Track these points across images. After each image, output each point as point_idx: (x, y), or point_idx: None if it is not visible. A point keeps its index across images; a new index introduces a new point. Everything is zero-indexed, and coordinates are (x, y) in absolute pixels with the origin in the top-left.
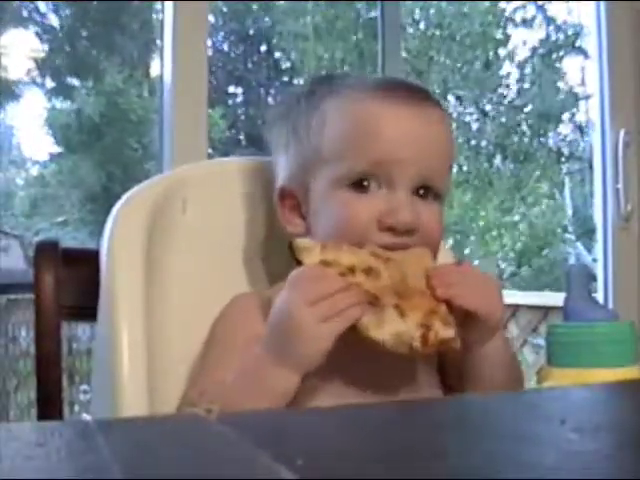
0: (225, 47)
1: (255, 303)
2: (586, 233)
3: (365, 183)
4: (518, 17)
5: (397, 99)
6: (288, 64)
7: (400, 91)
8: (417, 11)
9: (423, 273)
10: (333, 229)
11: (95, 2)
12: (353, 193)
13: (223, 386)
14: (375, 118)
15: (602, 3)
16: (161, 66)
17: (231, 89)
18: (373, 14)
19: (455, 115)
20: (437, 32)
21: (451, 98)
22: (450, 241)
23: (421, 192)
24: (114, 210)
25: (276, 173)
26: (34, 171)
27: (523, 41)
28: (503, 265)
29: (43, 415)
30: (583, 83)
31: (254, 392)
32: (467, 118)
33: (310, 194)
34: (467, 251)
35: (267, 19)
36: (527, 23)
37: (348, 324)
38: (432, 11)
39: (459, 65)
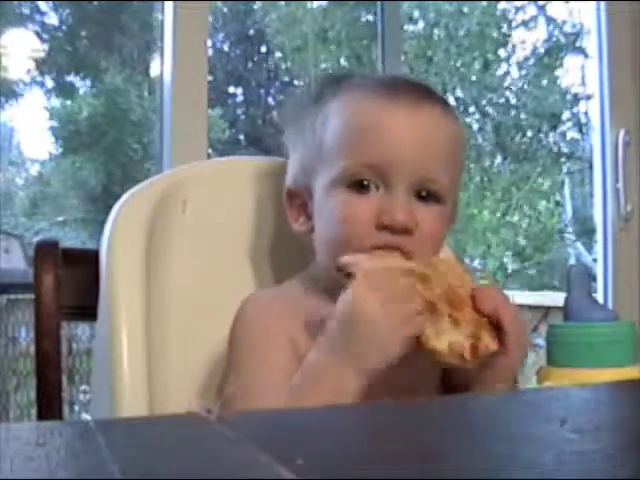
0: (225, 47)
1: (276, 301)
2: (586, 233)
3: (364, 183)
4: (519, 17)
5: (396, 99)
6: (288, 65)
7: (399, 90)
8: (416, 13)
9: (460, 282)
10: (333, 228)
11: (95, 2)
12: (352, 193)
13: (275, 391)
14: (373, 119)
15: (602, 3)
16: (161, 66)
17: (231, 89)
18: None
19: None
20: (436, 32)
21: (451, 98)
22: (450, 241)
23: (423, 194)
24: (114, 210)
25: (287, 173)
26: (34, 171)
27: (523, 41)
28: (503, 265)
29: (43, 415)
30: (583, 83)
31: (318, 395)
32: (467, 118)
33: (313, 194)
34: (467, 251)
35: (267, 19)
36: (527, 23)
37: (419, 332)
38: (431, 11)
39: (458, 65)
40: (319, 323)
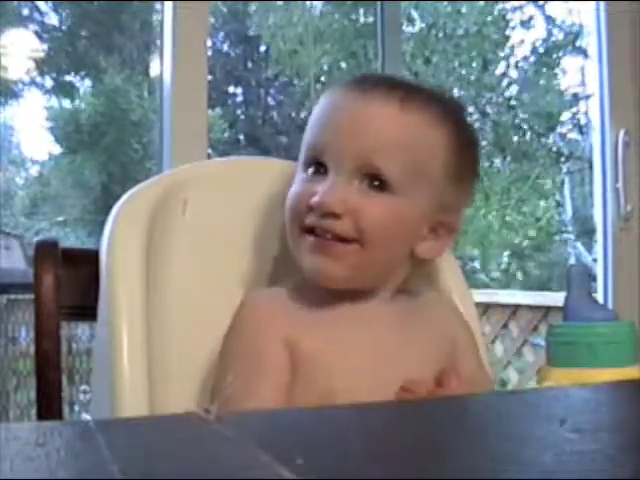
0: (225, 47)
1: (273, 301)
2: (586, 233)
3: (315, 167)
4: (517, 17)
5: (353, 88)
6: (287, 65)
7: (362, 82)
8: (414, 13)
9: None
10: (285, 209)
11: (95, 2)
12: (303, 175)
13: (269, 393)
14: (326, 106)
15: (602, 3)
16: (161, 66)
17: (231, 89)
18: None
19: None
20: (433, 33)
21: None
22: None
23: (376, 183)
24: (114, 210)
25: None
26: (34, 171)
27: (522, 41)
28: (503, 265)
29: (43, 415)
30: (583, 83)
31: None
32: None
33: None
34: (467, 251)
35: (267, 20)
36: (526, 23)
37: None
38: (428, 12)
39: (456, 66)
40: (317, 322)
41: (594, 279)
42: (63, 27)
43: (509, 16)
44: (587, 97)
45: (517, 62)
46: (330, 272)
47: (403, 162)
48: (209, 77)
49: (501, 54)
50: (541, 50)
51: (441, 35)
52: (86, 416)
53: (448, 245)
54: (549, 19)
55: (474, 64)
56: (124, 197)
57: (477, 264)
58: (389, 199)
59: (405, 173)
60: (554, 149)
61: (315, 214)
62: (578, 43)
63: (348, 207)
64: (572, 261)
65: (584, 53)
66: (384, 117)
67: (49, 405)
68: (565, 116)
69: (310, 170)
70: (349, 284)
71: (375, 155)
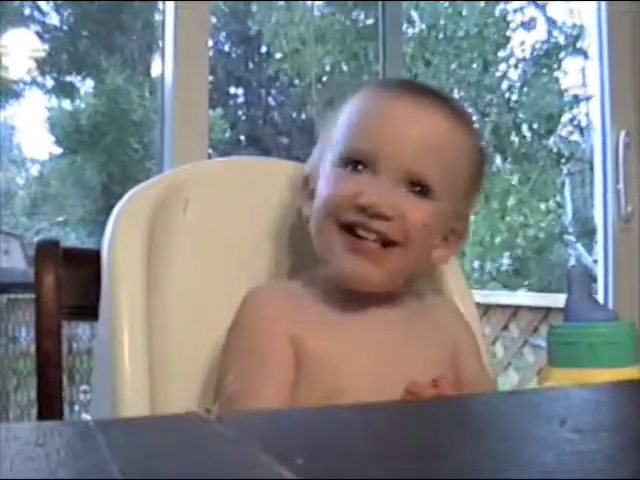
0: (226, 48)
1: (278, 298)
2: (586, 234)
3: (356, 165)
4: (517, 18)
5: (402, 94)
6: (288, 65)
7: (408, 88)
8: (414, 14)
9: None
10: (319, 204)
11: (96, 2)
12: (341, 172)
13: (272, 392)
14: (376, 108)
15: (603, 3)
16: (162, 66)
17: (232, 90)
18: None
19: None
20: (434, 34)
21: None
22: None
23: (417, 188)
24: (115, 210)
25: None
26: (34, 171)
27: (522, 42)
28: (503, 266)
29: (43, 415)
30: (583, 84)
31: None
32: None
33: (319, 175)
34: (466, 252)
35: (268, 20)
36: (527, 24)
37: None
38: (429, 13)
39: (456, 67)
40: (323, 321)
41: (594, 280)
42: (64, 27)
43: (510, 17)
44: (588, 98)
45: (517, 63)
46: (367, 275)
47: (443, 170)
48: (210, 77)
49: (501, 55)
50: (541, 51)
51: (441, 36)
52: (86, 416)
53: (455, 252)
54: (550, 20)
55: (474, 65)
56: (125, 197)
57: (478, 265)
58: (430, 205)
59: (443, 180)
60: (554, 150)
61: (362, 213)
62: (579, 44)
63: (397, 210)
64: (572, 262)
65: (585, 54)
66: (434, 127)
67: (49, 405)
68: (566, 117)
69: (349, 167)
70: (381, 288)
71: (422, 163)
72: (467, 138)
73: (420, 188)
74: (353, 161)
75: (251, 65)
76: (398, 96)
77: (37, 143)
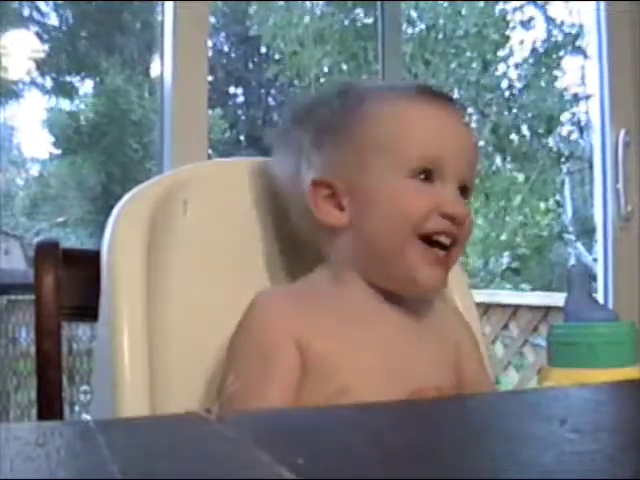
0: (225, 48)
1: (287, 300)
2: (586, 233)
3: (422, 176)
4: (517, 18)
5: (443, 102)
6: (288, 65)
7: (441, 95)
8: (413, 14)
9: None
10: (389, 216)
11: (95, 2)
12: (414, 183)
13: (273, 395)
14: (432, 119)
15: (602, 3)
16: (161, 66)
17: (231, 90)
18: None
19: None
20: (433, 33)
21: None
22: None
23: (464, 191)
24: (115, 210)
25: (298, 170)
26: (34, 171)
27: (522, 41)
28: (503, 265)
29: (43, 415)
30: (583, 83)
31: None
32: (466, 119)
33: (356, 185)
34: (466, 251)
35: (267, 20)
36: (527, 23)
37: None
38: (428, 13)
39: (456, 66)
40: (328, 322)
41: (594, 279)
42: (63, 27)
43: (509, 17)
44: (587, 97)
45: (517, 63)
46: (443, 281)
47: (475, 174)
48: (210, 77)
49: (501, 55)
50: (541, 50)
51: (441, 36)
52: (86, 416)
53: None
54: (549, 19)
55: (474, 65)
56: (125, 197)
57: (477, 264)
58: (469, 205)
59: (474, 183)
60: (554, 149)
61: (447, 220)
62: (578, 43)
63: (467, 215)
64: (572, 261)
65: (584, 53)
66: (472, 135)
67: (49, 405)
68: (565, 116)
69: (420, 177)
70: None
71: (473, 169)
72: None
73: (462, 192)
74: (423, 171)
75: (250, 65)
76: (441, 103)
77: (37, 144)
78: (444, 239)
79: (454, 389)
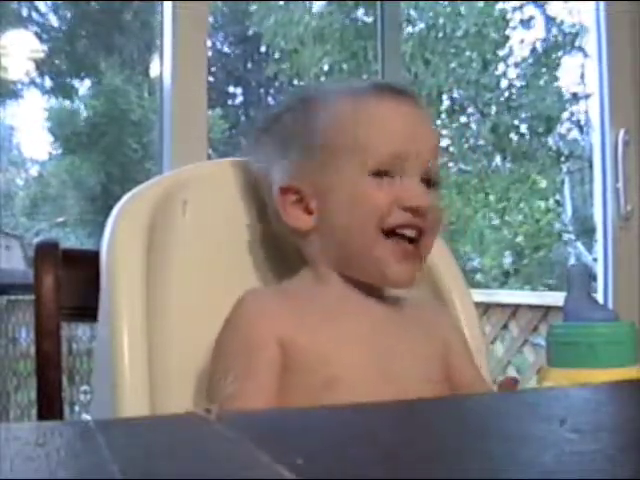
0: (225, 48)
1: (271, 300)
2: (586, 232)
3: (386, 171)
4: (517, 17)
5: (401, 98)
6: (287, 65)
7: (399, 91)
8: (413, 14)
9: None
10: (353, 214)
11: (95, 2)
12: (372, 181)
13: (260, 394)
14: (389, 116)
15: (602, 3)
16: (161, 66)
17: (231, 89)
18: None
19: (453, 116)
20: (433, 33)
21: (449, 99)
22: (448, 241)
23: (430, 182)
24: (114, 211)
25: (269, 178)
26: (34, 171)
27: (522, 40)
28: (503, 265)
29: (43, 415)
30: (583, 82)
31: None
32: (465, 118)
33: (321, 188)
34: (466, 250)
35: (267, 20)
36: (526, 23)
37: None
38: (428, 12)
39: (455, 66)
40: (313, 318)
41: (594, 279)
42: (63, 28)
43: (509, 16)
44: (587, 97)
45: (517, 62)
46: (414, 275)
47: (438, 162)
48: (209, 77)
49: (501, 54)
50: (541, 50)
51: (441, 35)
52: (86, 416)
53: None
54: (549, 19)
55: (474, 64)
56: (124, 198)
57: (477, 264)
58: (437, 194)
59: (439, 171)
60: (554, 149)
61: (409, 213)
62: (578, 43)
63: (431, 206)
64: (572, 261)
65: (584, 52)
66: (430, 122)
67: (49, 405)
68: (565, 116)
69: (380, 174)
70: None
71: (435, 159)
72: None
73: (428, 181)
74: (383, 167)
75: (250, 65)
76: (398, 99)
77: (36, 144)
78: (409, 232)
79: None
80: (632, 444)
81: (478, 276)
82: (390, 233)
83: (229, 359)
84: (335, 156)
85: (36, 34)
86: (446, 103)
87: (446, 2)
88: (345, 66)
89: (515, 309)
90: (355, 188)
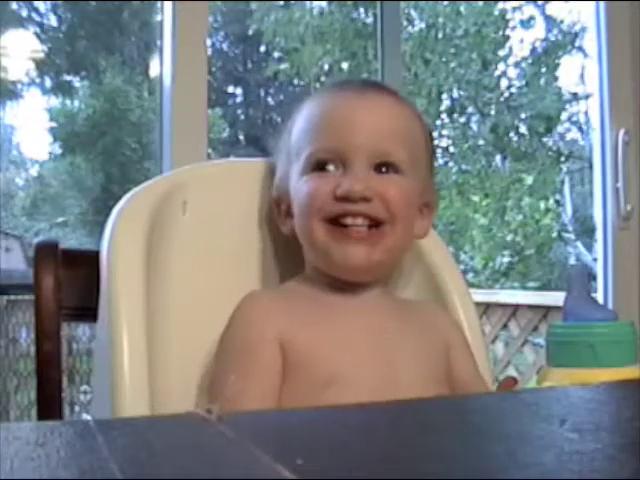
0: (225, 47)
1: (271, 301)
2: (586, 232)
3: (326, 166)
4: (517, 17)
5: (346, 92)
6: (287, 65)
7: (347, 84)
8: (413, 13)
9: None
10: (300, 208)
11: (94, 2)
12: (314, 175)
13: (261, 395)
14: (325, 109)
15: (602, 3)
16: (160, 66)
17: (230, 89)
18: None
19: (453, 116)
20: (433, 33)
21: (449, 99)
22: (448, 241)
23: (383, 169)
24: (114, 211)
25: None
26: (34, 171)
27: (521, 40)
28: (503, 265)
29: (43, 415)
30: (583, 82)
31: None
32: (465, 118)
33: (291, 193)
34: (466, 250)
35: (267, 19)
36: (526, 23)
37: None
38: (428, 12)
39: (455, 66)
40: (312, 318)
41: (594, 279)
42: (62, 28)
43: (509, 16)
44: (587, 96)
45: (516, 62)
46: (366, 258)
47: (404, 146)
48: (209, 77)
49: (501, 54)
50: (540, 50)
51: (440, 35)
52: (86, 416)
53: (431, 223)
54: (549, 19)
55: (473, 64)
56: (124, 198)
57: (477, 264)
58: (400, 179)
59: (407, 156)
60: (554, 149)
61: (346, 202)
62: (578, 43)
63: (375, 190)
64: (572, 261)
65: (584, 52)
66: (385, 109)
67: (49, 405)
68: (565, 116)
69: (318, 170)
70: (378, 271)
71: (384, 144)
72: (415, 118)
73: (387, 168)
74: (322, 164)
75: (250, 65)
76: (343, 91)
77: (36, 144)
78: (350, 220)
79: None
80: (632, 444)
81: (478, 276)
82: (335, 223)
83: (230, 359)
84: (291, 161)
85: (36, 34)
86: (446, 103)
87: (446, 2)
88: (345, 66)
89: (515, 309)
90: (300, 186)
